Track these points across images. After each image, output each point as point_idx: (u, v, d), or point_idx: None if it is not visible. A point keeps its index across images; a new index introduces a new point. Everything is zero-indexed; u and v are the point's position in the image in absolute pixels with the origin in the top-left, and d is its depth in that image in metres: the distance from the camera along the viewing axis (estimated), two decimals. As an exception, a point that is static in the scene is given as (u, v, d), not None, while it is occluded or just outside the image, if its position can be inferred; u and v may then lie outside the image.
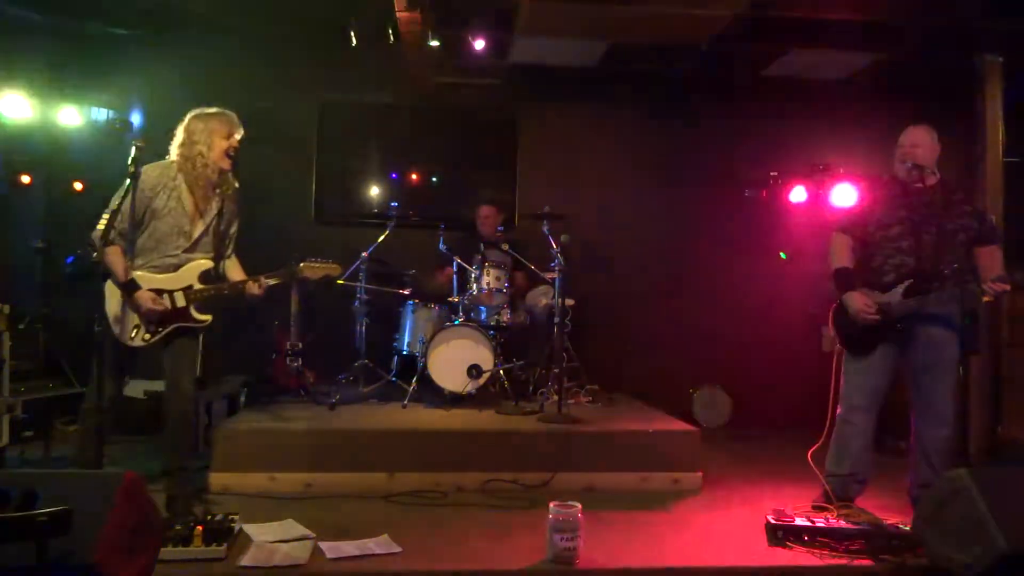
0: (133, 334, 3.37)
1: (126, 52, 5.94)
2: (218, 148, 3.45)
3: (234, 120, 3.54)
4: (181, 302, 3.44)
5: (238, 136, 3.54)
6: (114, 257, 3.32)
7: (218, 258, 3.57)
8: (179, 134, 3.50)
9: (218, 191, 3.53)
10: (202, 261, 3.51)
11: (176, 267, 3.45)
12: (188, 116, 3.51)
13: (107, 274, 3.34)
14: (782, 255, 6.35)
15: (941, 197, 3.56)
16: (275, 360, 5.17)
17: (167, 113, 3.55)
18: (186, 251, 3.46)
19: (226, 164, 3.50)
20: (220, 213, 3.54)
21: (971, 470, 2.80)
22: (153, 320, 3.39)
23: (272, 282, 3.62)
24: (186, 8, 5.37)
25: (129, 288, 3.31)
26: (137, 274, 3.35)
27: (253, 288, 3.55)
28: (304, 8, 5.56)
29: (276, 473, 3.94)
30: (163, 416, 3.49)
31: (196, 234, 3.48)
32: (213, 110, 3.52)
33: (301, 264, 3.76)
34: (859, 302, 3.58)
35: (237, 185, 3.62)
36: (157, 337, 3.42)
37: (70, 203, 5.69)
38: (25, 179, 5.59)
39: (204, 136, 3.44)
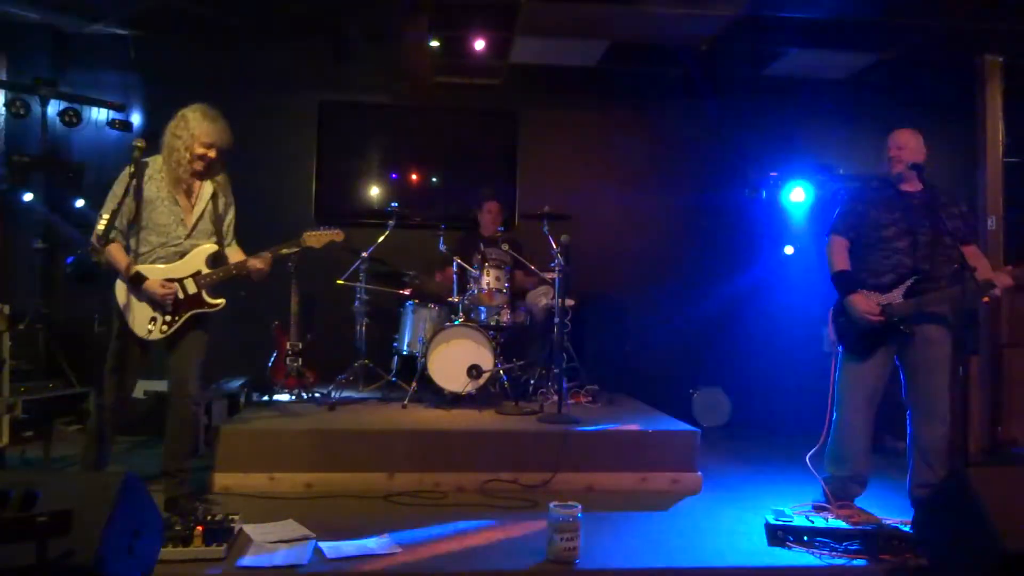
0: (150, 327, 3.37)
1: (126, 52, 5.93)
2: (196, 151, 3.37)
3: (224, 131, 3.42)
4: (192, 289, 3.44)
5: (217, 148, 3.41)
6: (116, 253, 3.33)
7: (220, 244, 3.54)
8: (173, 120, 3.42)
9: (206, 179, 3.48)
10: (206, 246, 3.50)
11: (180, 255, 3.44)
12: (190, 108, 3.42)
13: (113, 272, 3.34)
14: (788, 249, 6.33)
15: (931, 198, 3.59)
16: (275, 360, 5.17)
17: (167, 113, 3.54)
18: (186, 238, 3.45)
19: (199, 166, 3.40)
20: (214, 199, 3.51)
21: (971, 470, 2.80)
22: (167, 309, 3.38)
23: (277, 253, 3.60)
24: (187, 8, 5.36)
25: (136, 280, 3.30)
26: (143, 267, 3.35)
27: (257, 263, 3.51)
28: (305, 7, 5.55)
29: (276, 473, 3.94)
30: (166, 418, 3.47)
31: (191, 221, 3.45)
32: (213, 113, 3.42)
33: (304, 234, 3.74)
34: (863, 304, 3.58)
35: (223, 174, 3.56)
36: (175, 327, 3.41)
37: (70, 203, 5.69)
38: (27, 196, 5.56)
39: (186, 136, 3.37)
